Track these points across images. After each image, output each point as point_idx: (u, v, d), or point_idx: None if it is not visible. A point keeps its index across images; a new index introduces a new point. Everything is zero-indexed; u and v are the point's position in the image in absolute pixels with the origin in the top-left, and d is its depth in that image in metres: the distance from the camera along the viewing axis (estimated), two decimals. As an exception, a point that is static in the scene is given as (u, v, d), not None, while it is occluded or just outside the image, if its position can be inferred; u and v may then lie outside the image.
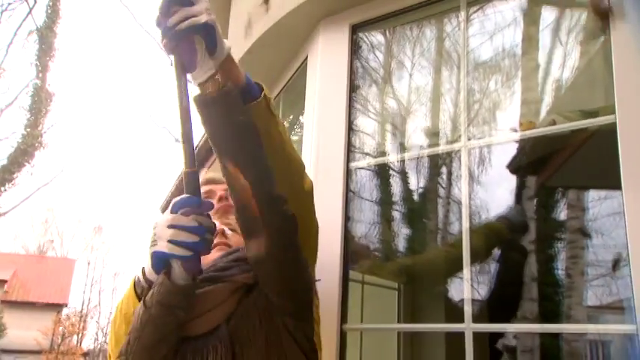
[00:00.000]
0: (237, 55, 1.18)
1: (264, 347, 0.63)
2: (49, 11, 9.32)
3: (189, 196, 0.62)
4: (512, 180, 1.30)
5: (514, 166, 1.25)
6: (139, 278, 0.72)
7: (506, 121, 1.20)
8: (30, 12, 8.92)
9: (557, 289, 1.27)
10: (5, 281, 14.85)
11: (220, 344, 0.63)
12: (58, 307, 15.66)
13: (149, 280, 0.68)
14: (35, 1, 8.99)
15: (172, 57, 0.61)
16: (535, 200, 1.32)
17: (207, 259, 0.72)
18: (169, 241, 0.60)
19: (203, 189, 0.77)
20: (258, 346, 0.63)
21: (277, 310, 0.66)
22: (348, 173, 1.13)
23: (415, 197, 1.33)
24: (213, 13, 0.58)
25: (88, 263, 20.51)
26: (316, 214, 0.78)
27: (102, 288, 21.12)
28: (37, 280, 15.76)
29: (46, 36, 9.16)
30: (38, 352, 13.35)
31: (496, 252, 1.24)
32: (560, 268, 1.30)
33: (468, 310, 0.97)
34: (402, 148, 1.28)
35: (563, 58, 1.15)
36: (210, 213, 0.65)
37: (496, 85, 1.22)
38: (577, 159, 1.22)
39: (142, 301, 0.64)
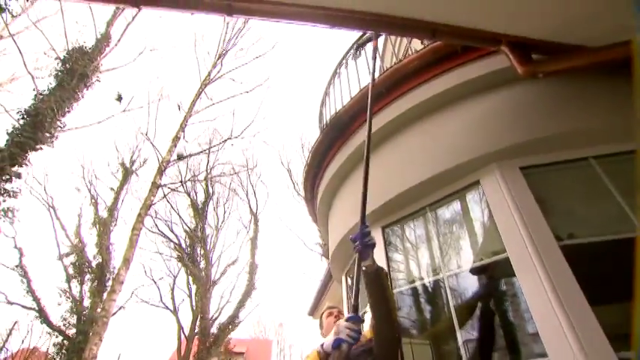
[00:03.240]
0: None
1: None
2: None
3: (353, 315, 1.28)
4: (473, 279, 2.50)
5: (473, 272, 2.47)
6: (319, 350, 1.41)
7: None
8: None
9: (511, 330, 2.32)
10: (244, 352, 26.15)
11: None
12: None
13: (325, 351, 1.36)
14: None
15: (357, 254, 1.40)
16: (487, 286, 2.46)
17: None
18: (347, 335, 1.24)
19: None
20: None
21: None
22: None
23: (429, 297, 2.65)
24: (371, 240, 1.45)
25: (277, 342, 36.04)
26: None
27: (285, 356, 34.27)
28: (256, 351, 29.64)
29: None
30: None
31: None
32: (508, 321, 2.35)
33: (463, 354, 2.18)
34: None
35: (481, 231, 2.41)
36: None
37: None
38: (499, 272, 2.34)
39: None
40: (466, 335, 2.38)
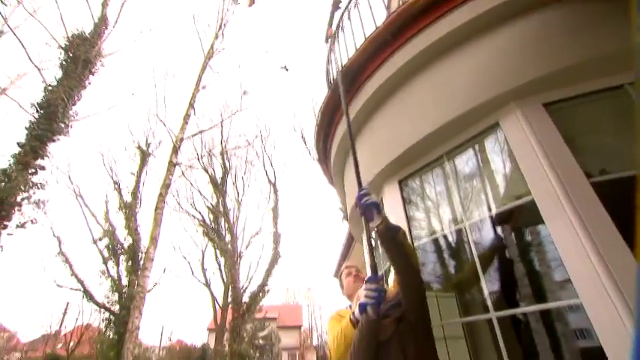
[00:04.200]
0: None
1: (413, 343, 1.26)
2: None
3: (371, 276, 1.26)
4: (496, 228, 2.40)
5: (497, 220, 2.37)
6: (351, 317, 1.43)
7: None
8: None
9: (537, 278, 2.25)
10: (276, 318, 29.82)
11: (395, 344, 1.27)
12: (299, 327, 32.65)
13: (356, 318, 1.37)
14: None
15: (362, 218, 1.40)
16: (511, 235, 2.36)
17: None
18: (367, 296, 1.23)
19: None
20: (412, 343, 1.26)
21: (412, 325, 1.31)
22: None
23: (453, 246, 2.58)
24: (377, 198, 1.62)
25: (307, 306, 40.00)
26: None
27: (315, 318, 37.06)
28: (288, 316, 33.56)
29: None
30: (296, 348, 29.21)
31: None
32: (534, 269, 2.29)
33: (489, 303, 2.01)
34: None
35: (503, 176, 2.27)
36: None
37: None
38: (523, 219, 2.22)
39: (357, 329, 1.29)
40: (491, 286, 2.32)
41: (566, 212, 1.70)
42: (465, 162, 2.43)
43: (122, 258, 12.93)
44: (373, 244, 1.41)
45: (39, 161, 8.33)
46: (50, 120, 8.63)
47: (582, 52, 1.91)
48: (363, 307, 1.28)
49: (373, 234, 1.55)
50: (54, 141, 8.65)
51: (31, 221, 8.00)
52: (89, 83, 9.57)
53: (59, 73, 9.30)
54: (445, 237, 2.50)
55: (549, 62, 1.97)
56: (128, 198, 14.05)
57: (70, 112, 9.11)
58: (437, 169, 2.56)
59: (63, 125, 8.86)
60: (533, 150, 1.91)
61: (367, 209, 1.39)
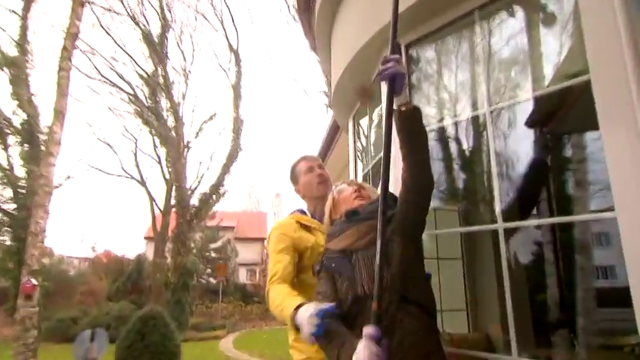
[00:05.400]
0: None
1: (401, 247, 1.41)
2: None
3: (375, 331, 1.18)
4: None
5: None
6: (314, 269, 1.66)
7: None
8: None
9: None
10: (234, 227, 32.89)
11: (370, 257, 1.41)
12: (262, 239, 33.57)
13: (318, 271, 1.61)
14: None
15: (386, 87, 1.40)
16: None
17: (354, 204, 1.66)
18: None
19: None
20: (396, 257, 1.39)
21: (403, 229, 1.45)
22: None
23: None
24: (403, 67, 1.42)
25: (274, 214, 42.28)
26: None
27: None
28: (249, 225, 35.45)
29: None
30: (255, 264, 31.59)
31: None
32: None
33: (499, 212, 1.99)
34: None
35: (558, 46, 2.16)
36: (348, 185, 1.77)
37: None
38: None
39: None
40: (505, 198, 2.39)
41: (634, 108, 1.60)
42: (502, 23, 2.30)
43: (15, 140, 12.68)
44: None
45: None
46: None
47: None
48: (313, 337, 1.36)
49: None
50: None
51: None
52: None
53: None
54: (456, 124, 2.49)
55: None
56: (12, 51, 12.82)
57: None
58: (460, 31, 2.42)
59: None
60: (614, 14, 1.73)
61: (399, 77, 1.40)
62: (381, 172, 1.37)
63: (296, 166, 2.16)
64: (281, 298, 1.65)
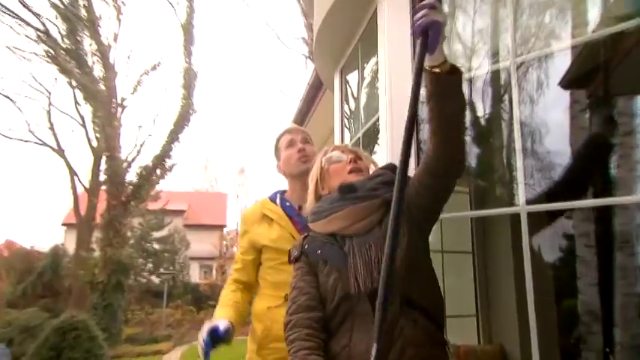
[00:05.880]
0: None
1: (407, 237, 1.40)
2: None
3: None
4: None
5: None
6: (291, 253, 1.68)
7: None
8: None
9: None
10: (184, 211, 32.74)
11: (377, 240, 1.42)
12: (220, 227, 35.21)
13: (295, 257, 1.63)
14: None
15: (418, 43, 1.33)
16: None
17: (348, 179, 1.61)
18: None
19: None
20: (403, 239, 1.38)
21: (413, 217, 1.46)
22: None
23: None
24: (445, 17, 1.32)
25: (237, 196, 44.60)
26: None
27: (246, 213, 43.53)
28: (204, 209, 35.23)
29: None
30: (212, 259, 30.89)
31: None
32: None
33: (522, 194, 2.04)
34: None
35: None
36: (341, 153, 1.71)
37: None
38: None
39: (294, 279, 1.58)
40: (531, 179, 2.47)
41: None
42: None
43: None
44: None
45: None
46: None
47: None
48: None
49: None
50: None
51: None
52: None
53: None
54: (470, 83, 2.52)
55: None
56: None
57: None
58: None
59: None
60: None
61: (434, 30, 1.30)
62: (402, 140, 1.26)
63: (278, 140, 2.26)
64: (219, 304, 1.97)
